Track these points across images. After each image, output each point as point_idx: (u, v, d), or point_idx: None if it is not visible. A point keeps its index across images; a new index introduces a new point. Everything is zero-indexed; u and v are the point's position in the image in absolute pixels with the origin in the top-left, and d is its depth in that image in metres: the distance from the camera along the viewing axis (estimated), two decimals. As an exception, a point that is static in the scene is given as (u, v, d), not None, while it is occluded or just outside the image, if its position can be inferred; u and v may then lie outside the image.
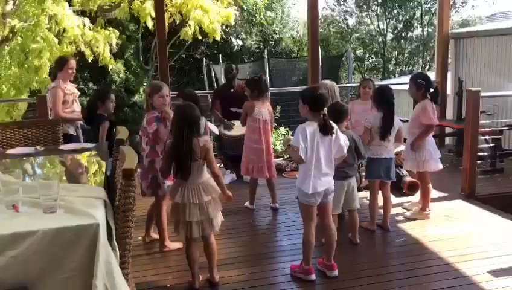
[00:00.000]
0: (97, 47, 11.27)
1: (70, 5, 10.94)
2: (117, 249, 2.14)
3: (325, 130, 3.19)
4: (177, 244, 3.83)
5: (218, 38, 12.57)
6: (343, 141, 3.34)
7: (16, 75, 10.59)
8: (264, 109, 4.70)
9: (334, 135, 3.25)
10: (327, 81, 4.79)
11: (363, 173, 4.85)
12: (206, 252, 3.30)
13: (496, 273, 3.39)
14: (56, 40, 10.36)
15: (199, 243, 3.26)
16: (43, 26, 9.92)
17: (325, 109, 3.21)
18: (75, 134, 5.05)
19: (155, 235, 3.98)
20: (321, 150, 3.22)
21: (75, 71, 5.16)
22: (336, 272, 3.45)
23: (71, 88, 5.11)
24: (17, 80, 10.55)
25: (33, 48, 9.92)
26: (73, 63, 5.12)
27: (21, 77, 10.50)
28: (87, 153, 3.70)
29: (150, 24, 11.79)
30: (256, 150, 4.68)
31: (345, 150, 3.36)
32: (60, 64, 5.10)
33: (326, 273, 3.45)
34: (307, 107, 3.23)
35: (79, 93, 5.29)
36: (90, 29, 11.26)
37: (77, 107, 5.14)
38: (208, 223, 3.15)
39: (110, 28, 11.93)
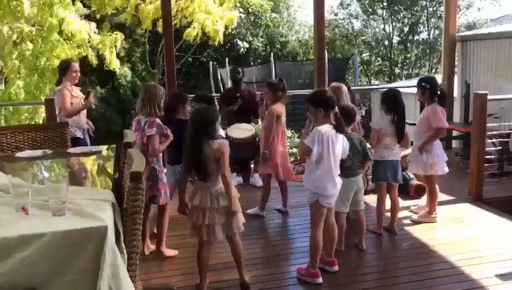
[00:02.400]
0: (104, 51, 11.37)
1: (84, 6, 11.05)
2: (125, 251, 2.15)
3: (339, 128, 3.29)
4: (173, 252, 3.82)
5: (217, 41, 12.69)
6: (345, 142, 3.44)
7: (28, 80, 10.70)
8: (284, 112, 4.74)
9: (341, 135, 3.34)
10: (339, 84, 4.76)
11: (369, 177, 4.85)
12: (232, 253, 3.30)
13: (504, 277, 3.38)
14: (65, 44, 10.48)
15: (211, 247, 3.27)
16: (54, 30, 10.03)
17: (336, 108, 3.30)
18: (82, 137, 5.08)
19: (153, 246, 3.89)
20: (336, 151, 3.30)
21: (79, 74, 5.17)
22: (336, 267, 3.51)
23: (77, 92, 5.14)
24: (32, 85, 10.65)
25: (50, 47, 10.03)
26: (76, 65, 5.12)
27: (36, 81, 10.60)
28: (95, 156, 3.72)
29: (146, 26, 11.98)
30: (283, 153, 4.75)
31: (347, 151, 3.45)
32: (63, 68, 5.11)
33: (326, 268, 3.49)
34: (321, 111, 3.28)
35: (84, 96, 5.29)
36: (96, 33, 11.37)
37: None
38: (228, 224, 3.15)
39: (117, 32, 12.03)
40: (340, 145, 3.34)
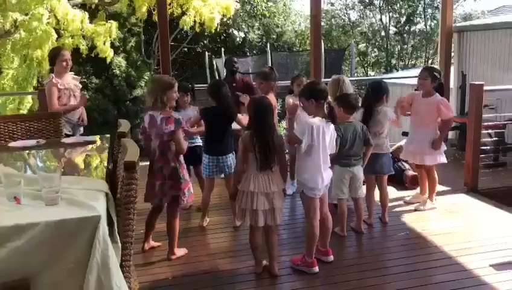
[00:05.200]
0: (98, 40, 11.29)
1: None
2: (119, 241, 2.14)
3: (332, 118, 3.29)
4: (183, 251, 3.72)
5: (212, 29, 12.63)
6: (333, 135, 3.41)
7: (18, 71, 10.61)
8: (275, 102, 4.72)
9: (332, 128, 3.33)
10: (340, 75, 4.74)
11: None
12: (267, 243, 3.34)
13: (498, 266, 3.40)
14: (55, 34, 10.36)
15: (261, 232, 3.32)
16: (42, 19, 9.92)
17: (329, 97, 3.30)
18: (71, 134, 4.72)
19: (155, 243, 3.80)
20: (326, 143, 3.29)
21: (70, 62, 4.80)
22: (331, 257, 3.53)
23: (69, 81, 4.75)
24: (20, 76, 10.57)
25: (33, 38, 9.91)
26: (66, 54, 4.77)
27: (24, 73, 10.52)
28: (89, 146, 3.70)
29: (140, 15, 11.92)
30: None
31: (336, 149, 3.45)
32: (52, 57, 4.79)
33: (322, 259, 3.50)
34: (312, 102, 3.27)
35: (80, 86, 4.96)
36: (90, 23, 11.28)
37: (74, 102, 4.78)
38: (271, 213, 3.20)
39: (111, 21, 11.94)
40: (329, 138, 3.32)
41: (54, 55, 4.79)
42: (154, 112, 3.42)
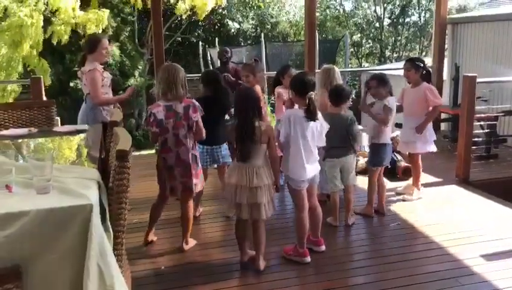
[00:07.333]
0: (89, 29, 11.18)
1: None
2: (111, 230, 2.13)
3: (310, 115, 3.21)
4: (193, 242, 3.73)
5: (203, 15, 12.61)
6: (322, 128, 3.35)
7: (3, 57, 10.48)
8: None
9: (319, 122, 3.28)
10: (331, 65, 4.73)
11: (358, 159, 4.85)
12: (253, 238, 3.30)
13: (488, 257, 3.43)
14: (42, 20, 10.21)
15: (246, 223, 3.28)
16: (29, 5, 9.77)
17: (311, 93, 3.21)
18: None
19: (154, 237, 3.80)
20: (309, 136, 3.24)
21: (109, 51, 4.60)
22: (323, 247, 3.54)
23: (104, 71, 4.51)
24: (5, 62, 10.42)
25: (13, 21, 9.75)
26: (106, 42, 4.51)
27: (9, 59, 10.38)
28: (82, 135, 3.67)
29: (133, 2, 11.84)
30: None
31: (324, 142, 3.39)
32: (91, 44, 4.43)
33: (314, 248, 3.51)
34: (293, 93, 3.30)
35: (111, 76, 4.71)
36: (83, 10, 11.17)
37: (111, 92, 4.56)
38: (256, 208, 3.14)
39: (104, 9, 11.82)
40: (313, 130, 3.26)
41: (96, 42, 4.44)
42: (167, 101, 3.36)
